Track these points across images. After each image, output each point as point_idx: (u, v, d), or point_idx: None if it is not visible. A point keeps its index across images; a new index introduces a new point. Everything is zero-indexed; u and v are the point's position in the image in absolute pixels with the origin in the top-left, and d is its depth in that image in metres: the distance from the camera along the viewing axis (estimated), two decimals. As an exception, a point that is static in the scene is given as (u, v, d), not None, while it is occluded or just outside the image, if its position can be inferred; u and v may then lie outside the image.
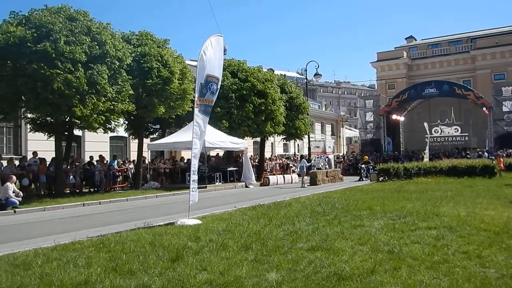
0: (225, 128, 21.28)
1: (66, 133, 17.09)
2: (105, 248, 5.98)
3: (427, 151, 27.54)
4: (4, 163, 15.55)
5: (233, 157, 25.46)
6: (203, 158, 20.00)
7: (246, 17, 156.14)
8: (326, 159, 30.01)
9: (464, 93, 33.09)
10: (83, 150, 23.17)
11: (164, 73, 17.00)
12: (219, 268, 4.77)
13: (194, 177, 9.13)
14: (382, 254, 5.27)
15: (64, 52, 13.31)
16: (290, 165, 29.76)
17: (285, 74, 40.56)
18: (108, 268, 4.91)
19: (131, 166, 20.44)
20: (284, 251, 5.56)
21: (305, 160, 23.69)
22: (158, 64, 17.03)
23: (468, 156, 28.18)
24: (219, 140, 19.86)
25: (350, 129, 57.59)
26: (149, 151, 21.83)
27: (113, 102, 15.11)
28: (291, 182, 23.87)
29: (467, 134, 34.71)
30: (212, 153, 26.22)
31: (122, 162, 21.11)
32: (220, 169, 22.41)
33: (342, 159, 35.68)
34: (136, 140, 20.19)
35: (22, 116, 16.98)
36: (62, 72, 13.22)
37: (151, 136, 23.10)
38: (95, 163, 18.44)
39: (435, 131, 36.00)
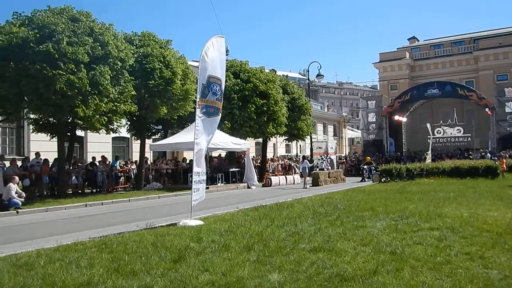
0: (227, 129, 21.30)
1: (69, 134, 17.16)
2: (108, 249, 5.99)
3: (429, 152, 27.48)
4: (7, 163, 15.55)
5: (235, 158, 25.46)
6: (205, 159, 19.95)
7: (247, 17, 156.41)
8: (328, 160, 30.00)
9: (467, 94, 33.02)
10: (86, 151, 23.19)
11: (167, 74, 17.01)
12: (221, 269, 4.77)
13: (195, 178, 9.10)
14: (385, 255, 5.26)
15: (66, 53, 13.32)
16: (292, 166, 29.76)
17: (287, 75, 40.50)
18: (111, 268, 4.92)
19: (133, 166, 20.45)
20: (286, 252, 5.55)
21: (307, 161, 23.61)
22: (161, 64, 17.04)
23: (470, 157, 28.05)
24: (221, 141, 19.85)
25: (352, 130, 57.55)
26: (151, 151, 21.86)
27: (115, 103, 15.11)
28: (293, 183, 23.86)
29: (469, 135, 34.63)
30: (214, 154, 26.26)
31: (124, 163, 21.12)
32: (222, 170, 22.46)
33: (344, 160, 35.61)
34: (138, 141, 20.25)
35: (25, 117, 17.05)
36: (64, 73, 13.23)
37: (153, 137, 23.11)
38: (97, 163, 18.46)
39: (437, 132, 35.92)
